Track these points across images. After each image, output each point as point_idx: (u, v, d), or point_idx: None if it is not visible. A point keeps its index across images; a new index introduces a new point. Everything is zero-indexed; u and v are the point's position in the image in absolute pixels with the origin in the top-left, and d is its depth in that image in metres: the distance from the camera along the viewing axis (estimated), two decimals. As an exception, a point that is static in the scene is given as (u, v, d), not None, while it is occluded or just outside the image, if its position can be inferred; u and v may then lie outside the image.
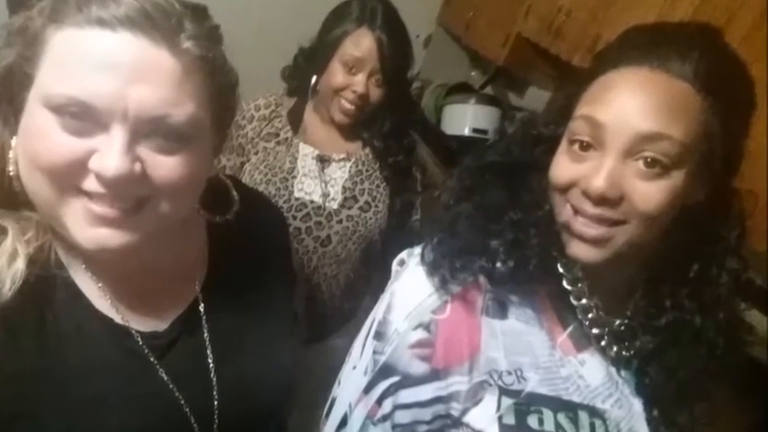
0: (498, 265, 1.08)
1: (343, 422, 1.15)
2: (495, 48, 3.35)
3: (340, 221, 2.19)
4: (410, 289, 1.12)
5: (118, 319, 1.05)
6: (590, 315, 1.11)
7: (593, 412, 1.08)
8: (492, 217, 1.11)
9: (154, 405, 1.07)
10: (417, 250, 1.17)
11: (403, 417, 1.08)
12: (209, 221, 1.20)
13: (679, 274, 1.10)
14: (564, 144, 1.04)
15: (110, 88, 0.84)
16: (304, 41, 2.27)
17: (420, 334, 1.07)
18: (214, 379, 1.13)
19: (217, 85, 0.99)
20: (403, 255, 1.24)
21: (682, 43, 0.97)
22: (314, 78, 2.20)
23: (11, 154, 0.93)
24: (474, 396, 1.06)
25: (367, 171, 2.25)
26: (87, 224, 0.89)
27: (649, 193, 0.95)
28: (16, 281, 0.92)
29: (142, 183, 0.89)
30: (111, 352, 1.04)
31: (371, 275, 2.38)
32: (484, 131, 3.66)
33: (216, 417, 1.12)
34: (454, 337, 1.06)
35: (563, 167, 1.03)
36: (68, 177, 0.87)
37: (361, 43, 2.04)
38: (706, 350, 1.10)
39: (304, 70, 2.27)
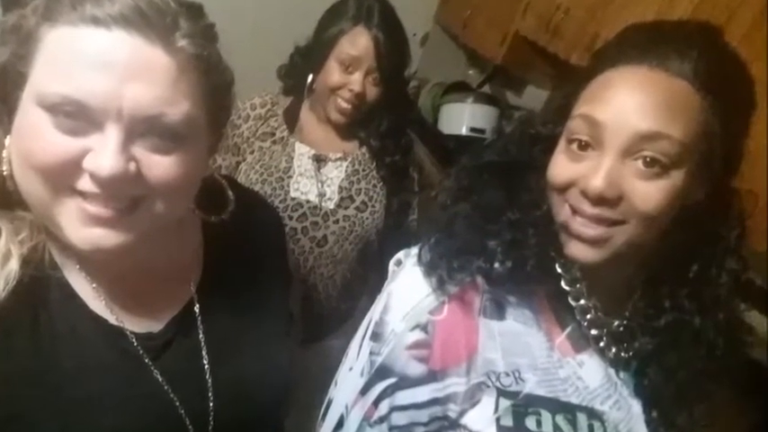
0: (496, 265, 1.08)
1: (340, 424, 1.14)
2: (492, 46, 3.35)
3: (336, 221, 2.19)
4: (407, 289, 1.12)
5: (112, 319, 1.04)
6: (588, 316, 1.11)
7: (592, 414, 1.08)
8: (490, 217, 1.10)
9: (148, 406, 1.06)
10: (414, 250, 1.16)
11: (400, 418, 1.08)
12: (205, 221, 1.19)
13: (678, 275, 1.10)
14: (562, 143, 1.04)
15: (104, 87, 0.83)
16: (300, 40, 2.26)
17: (417, 335, 1.06)
18: (209, 380, 1.12)
19: (212, 83, 0.99)
20: (400, 255, 1.23)
21: (681, 42, 0.97)
22: (310, 77, 2.19)
23: (4, 153, 0.93)
24: (471, 397, 1.05)
25: (364, 171, 2.24)
26: (81, 224, 0.89)
27: (648, 192, 0.94)
28: (10, 281, 0.91)
29: (137, 182, 0.88)
30: (105, 353, 1.03)
31: (368, 276, 2.37)
32: (481, 131, 3.66)
33: (211, 418, 1.12)
34: (451, 339, 1.06)
35: (561, 167, 1.02)
36: (62, 177, 0.86)
37: (357, 42, 2.04)
38: (705, 351, 1.10)
39: (300, 69, 2.26)
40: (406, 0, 2.32)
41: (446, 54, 4.23)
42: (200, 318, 1.14)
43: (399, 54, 2.14)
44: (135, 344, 1.05)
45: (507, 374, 1.06)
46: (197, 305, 1.14)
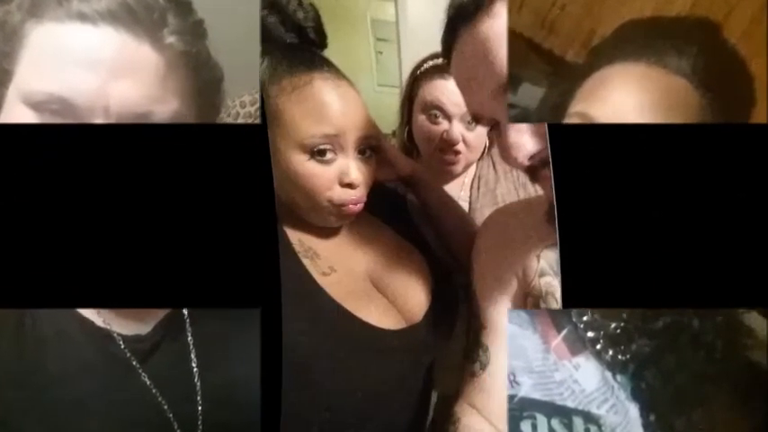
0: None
1: (333, 427, 1.14)
2: (487, 43, 3.34)
3: (330, 220, 2.17)
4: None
5: (99, 321, 1.03)
6: (585, 318, 1.10)
7: (588, 418, 1.07)
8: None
9: (135, 410, 1.05)
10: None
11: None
12: (195, 221, 1.18)
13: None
14: (558, 142, 1.03)
15: (91, 84, 0.83)
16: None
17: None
18: (198, 383, 1.10)
19: (201, 81, 0.98)
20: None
21: (679, 38, 0.96)
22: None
23: (-13, 153, 0.91)
24: (466, 401, 1.05)
25: (357, 168, 2.23)
26: (67, 225, 0.88)
27: (646, 192, 0.93)
28: (-6, 284, 0.90)
29: None
30: (92, 355, 1.02)
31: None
32: (477, 128, 3.65)
33: (200, 422, 1.10)
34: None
35: (558, 166, 1.01)
36: (47, 177, 0.85)
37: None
38: (704, 354, 1.09)
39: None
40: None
41: (441, 51, 4.23)
42: (188, 320, 1.12)
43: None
44: (122, 346, 1.04)
45: (502, 377, 1.05)
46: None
